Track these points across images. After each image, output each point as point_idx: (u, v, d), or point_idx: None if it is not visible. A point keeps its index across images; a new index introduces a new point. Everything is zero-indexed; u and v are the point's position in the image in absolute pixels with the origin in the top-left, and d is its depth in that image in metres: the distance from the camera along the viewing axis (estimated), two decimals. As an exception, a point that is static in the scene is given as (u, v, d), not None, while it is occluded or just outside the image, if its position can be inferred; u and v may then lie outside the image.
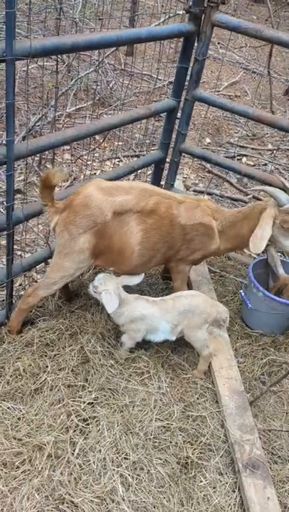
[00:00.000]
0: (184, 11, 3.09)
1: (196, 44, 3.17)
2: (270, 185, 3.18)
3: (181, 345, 2.88)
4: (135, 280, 2.72)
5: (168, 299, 2.68)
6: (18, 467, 2.15)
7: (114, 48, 5.48)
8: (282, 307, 2.94)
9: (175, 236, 2.73)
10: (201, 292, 2.88)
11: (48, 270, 2.68)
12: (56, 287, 2.65)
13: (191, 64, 3.24)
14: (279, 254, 3.78)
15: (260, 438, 2.43)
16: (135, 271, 2.81)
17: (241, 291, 3.21)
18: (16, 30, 2.08)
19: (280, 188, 2.77)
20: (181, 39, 3.18)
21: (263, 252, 2.99)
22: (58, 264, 2.60)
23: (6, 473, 2.12)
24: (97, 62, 5.41)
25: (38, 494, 2.06)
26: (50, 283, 2.63)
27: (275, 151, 5.74)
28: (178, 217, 2.69)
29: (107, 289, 2.58)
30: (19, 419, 2.33)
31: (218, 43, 8.34)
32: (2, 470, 2.12)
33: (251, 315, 3.12)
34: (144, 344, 2.84)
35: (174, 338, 2.71)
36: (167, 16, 5.67)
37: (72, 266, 2.58)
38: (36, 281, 3.23)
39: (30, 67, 5.56)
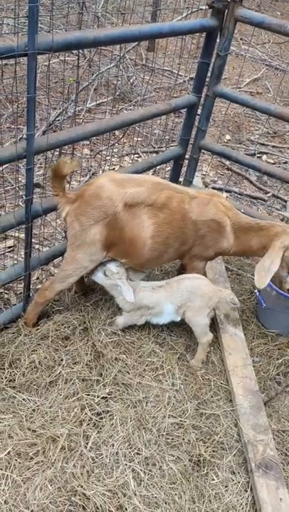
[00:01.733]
0: (207, 6, 3.06)
1: (218, 40, 3.14)
2: None
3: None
4: (139, 276, 2.82)
5: (172, 282, 2.75)
6: (31, 458, 2.17)
7: (135, 43, 5.47)
8: None
9: (187, 231, 2.71)
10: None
11: (63, 263, 2.70)
12: (71, 280, 2.66)
13: (213, 60, 3.21)
14: None
15: (274, 439, 2.41)
16: (147, 264, 2.83)
17: (256, 290, 3.18)
18: (39, 24, 2.08)
19: None
20: (203, 34, 3.15)
21: None
22: (71, 256, 2.61)
23: (20, 463, 2.15)
24: (118, 58, 5.41)
25: (51, 485, 2.08)
26: (65, 276, 2.64)
27: (296, 149, 5.65)
28: (190, 213, 2.68)
29: (122, 278, 2.65)
30: (34, 410, 2.36)
31: (241, 39, 8.25)
32: (16, 460, 2.15)
33: (267, 315, 3.09)
34: (158, 339, 2.84)
35: (178, 319, 2.77)
36: (190, 11, 5.63)
37: (84, 258, 2.58)
38: (53, 275, 3.25)
39: (51, 61, 5.58)
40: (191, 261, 2.88)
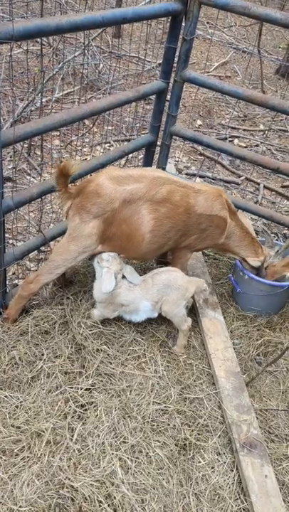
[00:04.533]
0: (171, -11, 3.01)
1: (183, 23, 3.11)
2: (264, 166, 3.23)
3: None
4: (135, 280, 2.71)
5: (147, 278, 2.73)
6: (17, 454, 2.16)
7: (100, 30, 5.37)
8: (269, 288, 2.96)
9: (190, 224, 2.75)
10: (196, 276, 2.90)
11: (52, 254, 2.70)
12: (59, 271, 2.66)
13: (180, 44, 3.18)
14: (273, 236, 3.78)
15: (256, 418, 2.46)
16: (145, 257, 2.89)
17: (230, 275, 3.22)
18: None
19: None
20: (169, 19, 3.11)
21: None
22: (64, 245, 2.64)
23: (5, 460, 2.13)
24: (83, 45, 5.31)
25: (38, 480, 2.08)
26: (53, 267, 2.65)
27: (266, 132, 5.69)
28: (194, 206, 2.71)
29: (110, 267, 2.62)
30: (17, 407, 2.34)
31: (208, 23, 8.21)
32: (1, 458, 2.14)
33: (242, 298, 3.13)
34: (139, 327, 2.84)
35: (156, 315, 2.76)
36: (154, -4, 5.55)
37: (76, 249, 2.62)
38: (30, 270, 3.21)
39: (17, 51, 5.45)
40: (180, 249, 2.91)
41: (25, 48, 4.85)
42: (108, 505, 2.02)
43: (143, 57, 6.04)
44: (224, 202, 2.82)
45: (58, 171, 2.49)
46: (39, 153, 4.25)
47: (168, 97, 3.41)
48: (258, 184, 4.74)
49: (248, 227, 3.01)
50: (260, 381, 2.73)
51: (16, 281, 3.09)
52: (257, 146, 5.37)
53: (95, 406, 2.39)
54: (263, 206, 4.28)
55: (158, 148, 3.66)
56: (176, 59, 3.23)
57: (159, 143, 3.61)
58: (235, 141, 5.41)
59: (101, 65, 5.71)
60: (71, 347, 2.63)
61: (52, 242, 3.03)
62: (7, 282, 2.81)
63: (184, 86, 3.37)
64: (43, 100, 4.78)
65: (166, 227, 2.67)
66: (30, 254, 3.06)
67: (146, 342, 2.77)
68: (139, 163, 4.14)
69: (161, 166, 3.69)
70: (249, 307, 3.10)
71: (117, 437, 2.28)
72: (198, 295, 3.04)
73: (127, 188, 2.56)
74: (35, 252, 3.15)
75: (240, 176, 4.83)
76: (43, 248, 3.14)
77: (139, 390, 2.50)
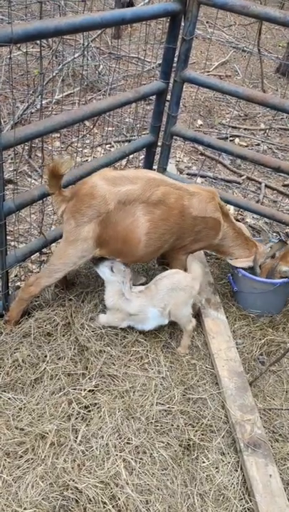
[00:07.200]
0: (169, -10, 3.02)
1: (183, 23, 3.11)
2: (265, 165, 3.23)
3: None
4: (139, 280, 2.85)
5: (151, 285, 2.73)
6: (21, 456, 2.16)
7: (100, 31, 5.38)
8: (262, 285, 2.96)
9: (185, 227, 2.75)
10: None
11: (51, 257, 2.70)
12: (58, 275, 2.65)
13: (179, 44, 3.18)
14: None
15: (260, 417, 2.45)
16: (142, 260, 2.88)
17: (229, 274, 3.23)
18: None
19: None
20: (168, 19, 3.11)
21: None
22: (62, 250, 2.63)
23: (9, 462, 2.13)
24: (83, 47, 5.31)
25: (43, 482, 2.08)
26: (53, 270, 2.64)
27: (267, 131, 5.68)
28: (189, 209, 2.71)
29: (127, 278, 2.63)
30: (20, 409, 2.34)
31: (207, 22, 8.20)
32: (6, 460, 2.14)
33: (240, 297, 3.13)
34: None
35: (166, 322, 2.73)
36: (153, -4, 5.55)
37: (75, 254, 2.60)
38: (32, 272, 3.22)
39: (16, 54, 5.46)
40: (177, 252, 2.90)
41: (25, 50, 4.86)
42: (113, 507, 2.02)
43: (143, 58, 6.04)
44: (217, 204, 2.84)
45: (48, 172, 2.43)
46: (40, 155, 4.26)
47: (168, 98, 3.41)
48: (260, 183, 4.73)
49: (241, 227, 3.03)
50: (264, 380, 2.73)
51: (19, 283, 3.10)
52: (258, 145, 5.37)
53: (98, 407, 2.39)
54: (264, 205, 4.27)
55: (159, 149, 3.66)
56: (175, 59, 3.23)
57: (159, 143, 3.61)
58: (236, 140, 5.40)
59: (101, 66, 5.71)
60: (74, 348, 2.63)
61: (53, 244, 3.03)
62: (9, 284, 2.81)
63: (184, 86, 3.38)
64: (43, 102, 4.78)
65: (162, 229, 2.65)
66: (32, 256, 3.06)
67: (149, 343, 2.76)
68: (140, 164, 4.13)
69: (162, 166, 3.69)
70: (246, 307, 3.10)
71: (120, 438, 2.28)
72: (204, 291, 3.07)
73: (121, 189, 2.53)
74: (37, 253, 3.15)
75: (241, 176, 4.82)
76: (44, 250, 3.14)
77: (142, 391, 2.50)
